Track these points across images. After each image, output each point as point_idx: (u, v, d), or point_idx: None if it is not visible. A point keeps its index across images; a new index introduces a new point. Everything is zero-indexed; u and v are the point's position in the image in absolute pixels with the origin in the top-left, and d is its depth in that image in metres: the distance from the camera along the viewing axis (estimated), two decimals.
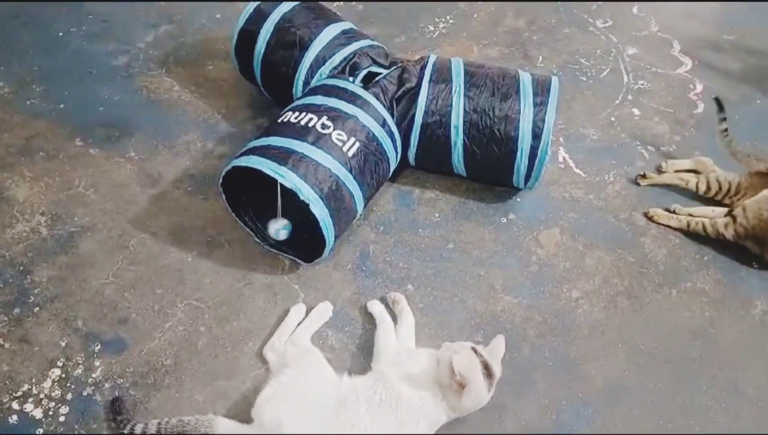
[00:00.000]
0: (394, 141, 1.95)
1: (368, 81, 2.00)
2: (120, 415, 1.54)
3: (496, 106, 1.92)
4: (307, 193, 1.69)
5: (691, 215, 2.08)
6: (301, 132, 1.78)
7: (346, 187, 1.78)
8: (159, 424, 1.51)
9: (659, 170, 2.25)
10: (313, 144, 1.76)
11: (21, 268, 1.83)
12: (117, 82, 2.42)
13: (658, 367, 1.77)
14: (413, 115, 1.96)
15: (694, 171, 2.21)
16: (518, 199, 2.14)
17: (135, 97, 2.37)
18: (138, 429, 1.51)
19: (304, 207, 1.71)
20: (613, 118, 2.47)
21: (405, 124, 1.97)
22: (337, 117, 1.83)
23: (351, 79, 1.97)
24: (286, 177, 1.68)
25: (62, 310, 1.75)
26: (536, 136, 1.90)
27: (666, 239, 2.07)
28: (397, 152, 1.99)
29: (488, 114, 1.91)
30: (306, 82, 2.04)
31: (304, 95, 1.96)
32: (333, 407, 1.49)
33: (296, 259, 1.89)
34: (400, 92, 1.97)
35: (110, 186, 2.06)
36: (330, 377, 1.56)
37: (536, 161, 1.93)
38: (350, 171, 1.79)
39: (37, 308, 1.75)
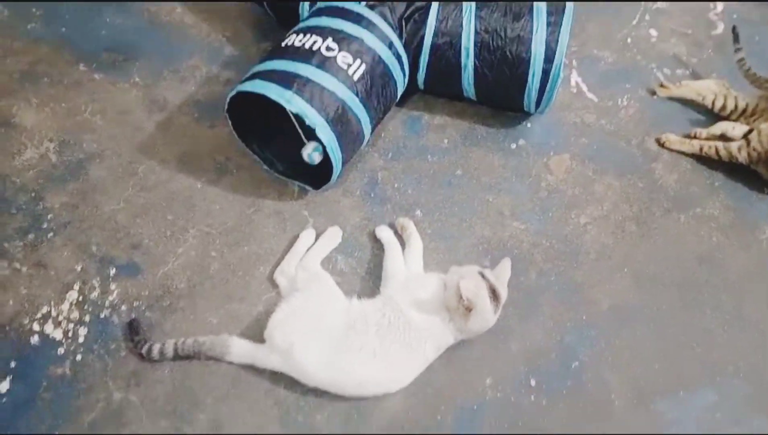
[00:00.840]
0: (401, 64, 1.90)
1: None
2: (137, 336, 1.60)
3: (508, 27, 1.85)
4: (312, 117, 1.67)
5: (706, 139, 2.04)
6: (306, 55, 1.74)
7: (352, 112, 1.76)
8: (175, 344, 1.57)
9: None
10: (318, 67, 1.72)
11: (33, 195, 1.85)
12: (119, 4, 2.35)
13: (664, 291, 1.79)
14: (422, 37, 1.90)
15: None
16: (528, 125, 2.11)
17: (137, 20, 2.30)
18: (155, 349, 1.57)
19: (312, 133, 1.69)
20: (629, 40, 2.39)
21: (414, 46, 1.91)
22: (342, 39, 1.78)
23: None
24: (292, 102, 1.66)
25: (76, 235, 1.78)
26: (549, 58, 1.84)
27: (677, 165, 2.05)
28: (404, 75, 1.94)
29: (500, 35, 1.85)
30: (312, 3, 1.97)
31: (309, 16, 1.90)
32: (342, 329, 1.53)
33: (305, 186, 1.90)
34: (408, 12, 1.89)
35: (116, 112, 2.04)
36: (339, 300, 1.60)
37: (548, 84, 1.88)
38: (356, 94, 1.76)
39: (51, 234, 1.78)
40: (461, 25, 1.88)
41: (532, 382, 1.62)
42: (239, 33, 2.29)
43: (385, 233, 1.80)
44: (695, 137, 2.07)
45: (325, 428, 1.53)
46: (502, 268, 1.61)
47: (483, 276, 1.55)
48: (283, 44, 1.81)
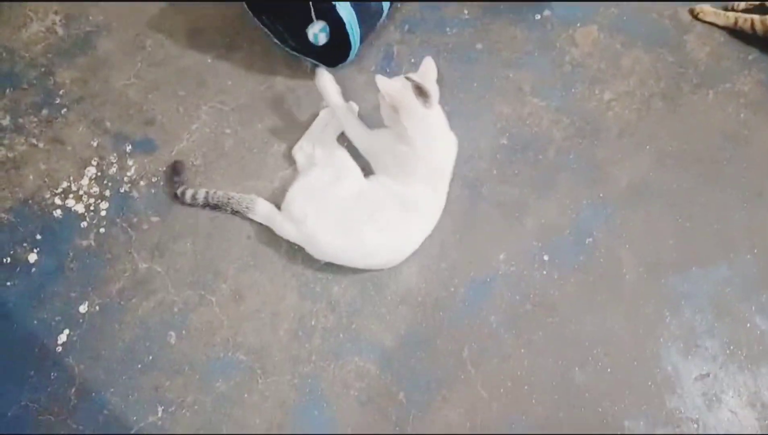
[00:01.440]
0: None
1: None
2: (177, 177, 1.66)
3: None
4: None
5: (743, 10, 1.92)
6: None
7: None
8: (207, 192, 1.63)
9: None
10: None
11: (43, 69, 1.82)
12: None
13: (685, 168, 1.75)
14: None
15: None
16: None
17: None
18: (188, 193, 1.64)
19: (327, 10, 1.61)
20: None
21: None
22: None
23: None
24: None
25: (89, 111, 1.77)
26: None
27: (710, 37, 1.94)
28: None
29: None
30: None
31: None
32: (353, 201, 1.55)
33: (318, 63, 1.83)
34: None
35: None
36: (353, 175, 1.61)
37: None
38: None
39: (65, 109, 1.77)
40: None
41: (545, 257, 1.64)
42: None
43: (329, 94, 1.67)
44: (732, 9, 1.94)
45: (342, 299, 1.58)
46: (425, 67, 1.57)
47: (407, 78, 1.54)
48: None
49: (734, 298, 1.61)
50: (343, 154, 1.65)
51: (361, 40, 1.74)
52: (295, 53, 1.85)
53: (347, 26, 1.64)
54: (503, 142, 1.77)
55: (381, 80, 1.48)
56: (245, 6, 1.79)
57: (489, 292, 1.61)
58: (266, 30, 1.84)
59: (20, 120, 1.75)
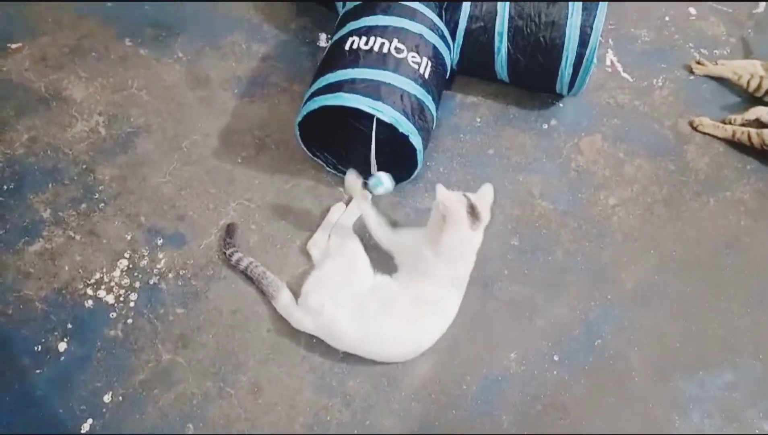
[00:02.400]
0: (449, 50, 1.94)
1: None
2: (230, 239, 1.79)
3: (543, 12, 1.86)
4: (405, 125, 1.72)
5: (740, 125, 2.04)
6: (379, 60, 1.76)
7: (427, 108, 1.82)
8: (250, 263, 1.74)
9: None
10: (395, 71, 1.75)
11: (84, 167, 1.95)
12: None
13: (689, 273, 1.83)
14: (457, 21, 1.92)
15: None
16: (561, 105, 2.13)
17: None
18: (234, 257, 1.76)
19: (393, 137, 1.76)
20: (667, 18, 2.37)
21: (449, 30, 1.94)
22: (406, 37, 1.81)
23: None
24: (384, 111, 1.70)
25: (125, 206, 1.89)
26: (583, 43, 1.85)
27: (710, 147, 2.06)
28: (452, 60, 1.99)
29: (534, 20, 1.86)
30: None
31: (361, 12, 1.88)
32: (368, 291, 1.63)
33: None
34: None
35: (161, 87, 2.13)
36: (366, 265, 1.70)
37: (581, 69, 1.89)
38: (428, 92, 1.82)
39: (102, 204, 1.89)
40: (495, 10, 1.89)
41: (555, 358, 1.69)
42: (277, 9, 2.33)
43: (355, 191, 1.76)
44: (730, 123, 2.07)
45: (357, 394, 1.63)
46: (484, 191, 1.66)
47: (464, 195, 1.62)
48: (346, 47, 1.81)
49: (741, 403, 1.64)
50: (355, 243, 1.74)
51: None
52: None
53: (418, 153, 1.79)
54: (514, 243, 1.86)
55: (441, 189, 1.58)
56: (301, 144, 1.89)
57: (500, 391, 1.65)
58: (319, 160, 1.95)
59: (60, 213, 1.86)
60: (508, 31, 1.90)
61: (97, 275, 1.77)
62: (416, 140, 1.75)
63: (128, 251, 1.81)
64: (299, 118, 1.79)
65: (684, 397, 1.65)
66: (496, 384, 1.66)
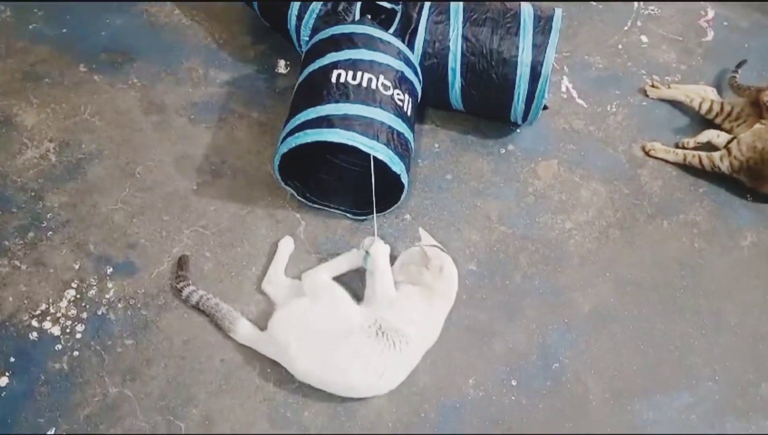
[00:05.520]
0: (419, 83, 1.97)
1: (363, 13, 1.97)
2: (181, 271, 1.74)
3: (494, 49, 1.88)
4: (397, 165, 1.74)
5: (692, 148, 2.09)
6: (368, 96, 1.77)
7: (410, 144, 1.85)
8: (201, 296, 1.70)
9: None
10: (384, 109, 1.76)
11: (33, 194, 1.90)
12: (118, 6, 2.39)
13: (644, 295, 1.84)
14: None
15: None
16: (518, 131, 2.15)
17: (136, 22, 2.34)
18: (186, 291, 1.71)
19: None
20: (620, 46, 2.43)
21: None
22: (388, 73, 1.81)
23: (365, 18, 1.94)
24: (380, 151, 1.71)
25: (74, 234, 1.84)
26: (534, 79, 1.87)
27: (663, 171, 2.10)
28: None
29: (485, 57, 1.89)
30: (299, 17, 2.01)
31: (342, 43, 1.84)
32: (340, 336, 1.59)
33: (347, 213, 1.91)
34: (407, 34, 1.94)
35: (115, 113, 2.09)
36: (343, 310, 1.64)
37: (533, 104, 1.93)
38: (410, 129, 1.85)
39: (50, 232, 1.84)
40: (447, 48, 1.91)
41: (513, 382, 1.68)
42: (235, 35, 2.33)
43: (380, 257, 1.69)
44: (683, 147, 2.12)
45: (312, 425, 1.59)
46: (424, 238, 1.76)
47: (434, 246, 1.73)
48: (333, 80, 1.78)
49: (699, 425, 1.64)
50: (337, 290, 1.68)
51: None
52: (317, 205, 1.92)
53: (404, 190, 1.82)
54: (472, 268, 1.86)
55: (431, 253, 1.67)
56: (276, 173, 1.83)
57: (459, 418, 1.62)
58: (290, 189, 1.90)
59: (5, 242, 1.81)
60: (461, 67, 1.92)
61: (43, 306, 1.71)
62: (405, 178, 1.78)
63: (76, 281, 1.76)
64: (284, 149, 1.74)
65: (641, 420, 1.64)
66: (454, 411, 1.63)
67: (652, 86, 2.27)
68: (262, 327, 1.66)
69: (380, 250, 1.69)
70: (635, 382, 1.70)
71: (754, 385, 1.71)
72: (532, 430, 1.61)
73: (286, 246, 1.83)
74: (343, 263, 1.78)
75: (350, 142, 1.69)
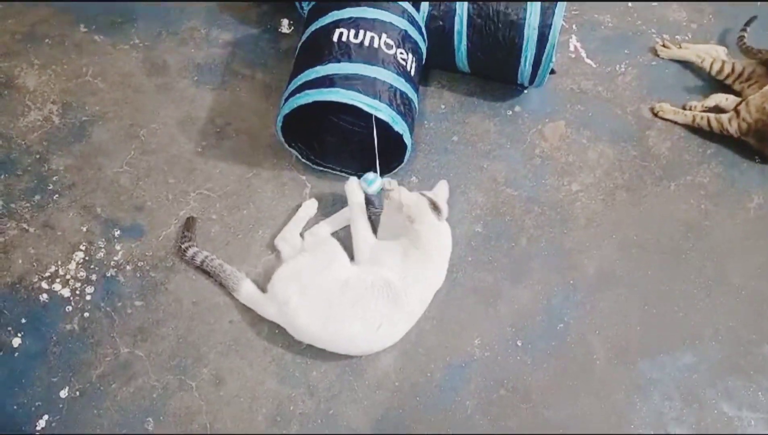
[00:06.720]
0: (425, 45, 1.94)
1: None
2: (187, 232, 1.75)
3: (501, 11, 1.84)
4: (400, 124, 1.72)
5: (700, 111, 2.07)
6: (371, 55, 1.74)
7: (413, 103, 1.82)
8: (206, 257, 1.71)
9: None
10: (386, 68, 1.74)
11: (38, 156, 1.90)
12: None
13: (649, 257, 1.85)
14: None
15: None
16: (525, 92, 2.12)
17: None
18: (190, 251, 1.72)
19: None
20: (630, 4, 2.38)
21: None
22: (391, 32, 1.78)
23: None
24: (382, 110, 1.69)
25: (81, 197, 1.84)
26: (542, 42, 1.84)
27: (671, 132, 2.08)
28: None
29: (492, 19, 1.85)
30: None
31: (345, 2, 1.81)
32: (339, 290, 1.60)
33: (345, 173, 1.89)
34: None
35: (117, 74, 2.07)
36: (342, 265, 1.66)
37: (540, 68, 1.90)
38: (413, 88, 1.82)
39: (57, 195, 1.84)
40: (454, 9, 1.87)
41: (519, 343, 1.70)
42: None
43: (351, 196, 1.74)
44: (690, 109, 2.09)
45: (320, 384, 1.62)
46: (439, 188, 1.76)
47: (422, 194, 1.69)
48: (335, 38, 1.75)
49: (701, 384, 1.67)
50: (334, 244, 1.71)
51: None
52: (320, 168, 1.92)
53: (408, 152, 1.80)
54: (478, 230, 1.86)
55: (403, 192, 1.65)
56: (279, 134, 1.82)
57: (465, 377, 1.65)
58: (294, 151, 1.89)
59: (12, 205, 1.81)
60: (467, 29, 1.89)
61: (52, 268, 1.73)
62: (407, 138, 1.76)
63: (84, 243, 1.76)
64: (286, 110, 1.72)
65: (644, 379, 1.67)
66: (459, 370, 1.66)
67: (663, 46, 2.23)
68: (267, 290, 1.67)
69: (353, 188, 1.73)
70: (639, 342, 1.72)
71: (756, 345, 1.73)
72: (538, 389, 1.64)
73: (308, 209, 1.83)
74: (341, 217, 1.80)
75: (351, 102, 1.67)
